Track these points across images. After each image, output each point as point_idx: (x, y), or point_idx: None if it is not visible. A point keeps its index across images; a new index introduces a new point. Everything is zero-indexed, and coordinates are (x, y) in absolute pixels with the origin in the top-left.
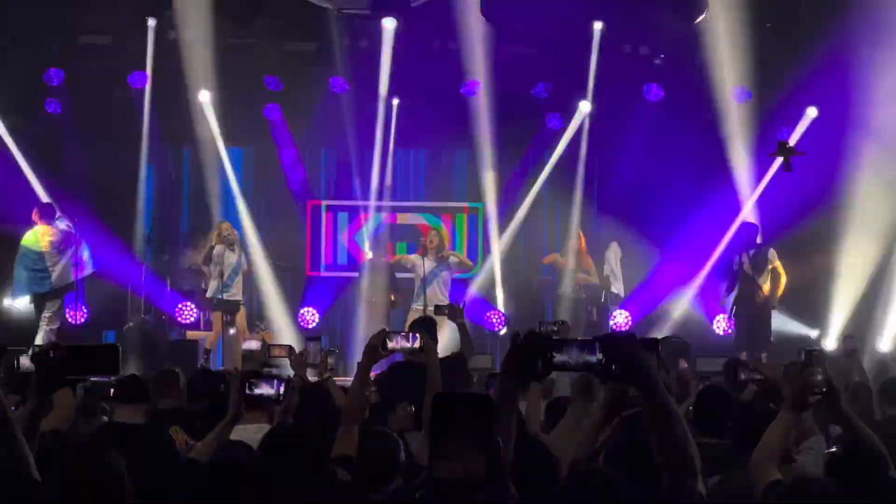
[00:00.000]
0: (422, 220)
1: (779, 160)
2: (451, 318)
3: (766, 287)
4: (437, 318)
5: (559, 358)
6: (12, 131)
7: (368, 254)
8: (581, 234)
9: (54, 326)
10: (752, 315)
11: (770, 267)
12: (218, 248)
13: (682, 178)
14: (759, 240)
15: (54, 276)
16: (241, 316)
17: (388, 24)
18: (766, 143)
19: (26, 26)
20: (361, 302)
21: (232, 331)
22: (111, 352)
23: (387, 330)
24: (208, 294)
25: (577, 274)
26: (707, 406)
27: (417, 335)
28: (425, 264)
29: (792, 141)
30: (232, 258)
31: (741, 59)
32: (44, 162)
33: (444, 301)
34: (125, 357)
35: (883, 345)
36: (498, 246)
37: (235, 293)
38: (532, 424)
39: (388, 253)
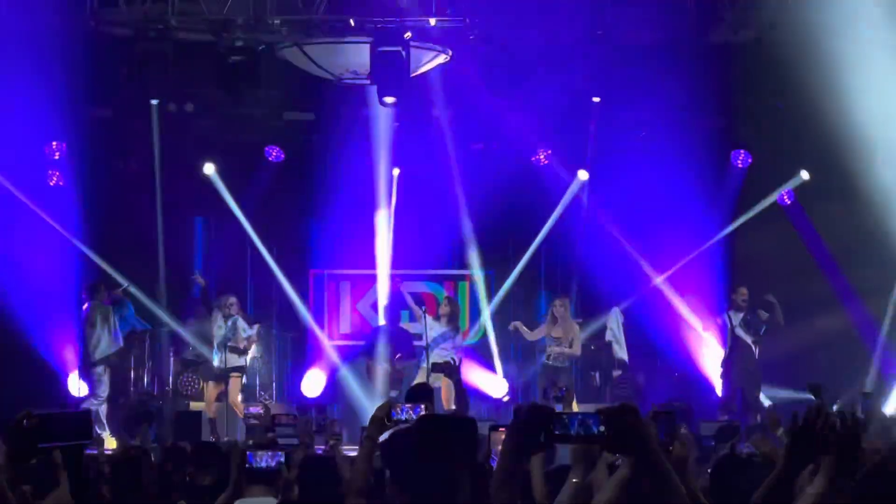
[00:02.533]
0: (425, 289)
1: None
2: (448, 375)
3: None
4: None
5: (561, 430)
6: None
7: (382, 322)
8: (559, 302)
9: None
10: (740, 378)
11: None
12: (215, 315)
13: (681, 241)
14: (743, 301)
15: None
16: (232, 384)
17: (389, 100)
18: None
19: (29, 99)
20: (368, 369)
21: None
22: (84, 418)
23: (391, 401)
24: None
25: (549, 347)
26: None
27: (422, 406)
28: (428, 328)
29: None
30: (223, 329)
31: (741, 122)
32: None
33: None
34: (125, 429)
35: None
36: (488, 311)
37: (230, 361)
38: (534, 493)
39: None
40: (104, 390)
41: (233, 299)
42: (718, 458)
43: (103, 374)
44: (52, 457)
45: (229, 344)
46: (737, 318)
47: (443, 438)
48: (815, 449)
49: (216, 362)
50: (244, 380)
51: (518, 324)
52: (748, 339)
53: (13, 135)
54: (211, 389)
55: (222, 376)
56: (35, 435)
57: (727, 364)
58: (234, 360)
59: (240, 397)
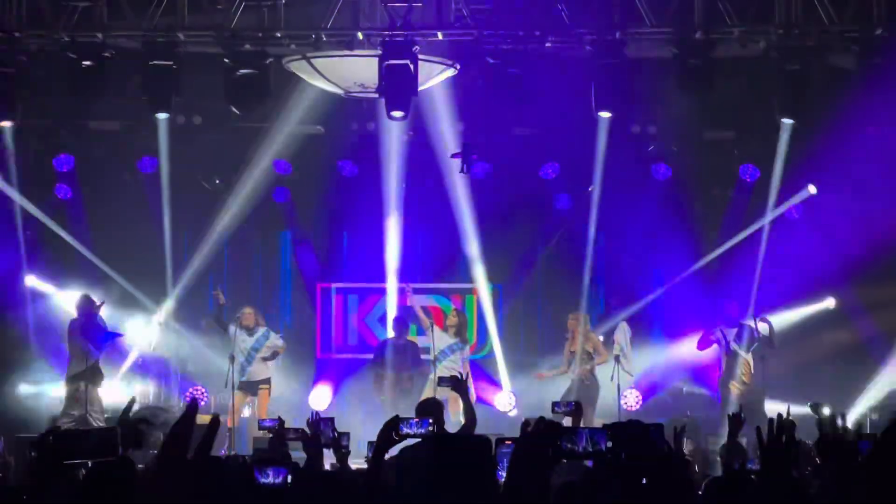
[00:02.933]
0: (432, 302)
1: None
2: (455, 389)
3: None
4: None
5: (568, 446)
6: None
7: (391, 334)
8: (578, 316)
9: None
10: (743, 392)
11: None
12: (232, 329)
13: (689, 255)
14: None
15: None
16: (261, 398)
17: (397, 115)
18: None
19: (37, 112)
20: (375, 381)
21: (246, 413)
22: (109, 435)
23: (399, 416)
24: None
25: (581, 366)
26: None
27: (430, 420)
28: (436, 340)
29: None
30: (248, 341)
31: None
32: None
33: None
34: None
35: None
36: (495, 326)
37: (251, 375)
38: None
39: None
40: (77, 409)
41: (252, 309)
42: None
43: (75, 392)
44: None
45: (258, 355)
46: (731, 333)
47: (459, 463)
48: (785, 461)
49: (243, 374)
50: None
51: (546, 373)
52: (743, 354)
53: (22, 147)
54: (238, 400)
55: (251, 388)
56: (60, 451)
57: (724, 380)
58: (263, 372)
59: (247, 411)
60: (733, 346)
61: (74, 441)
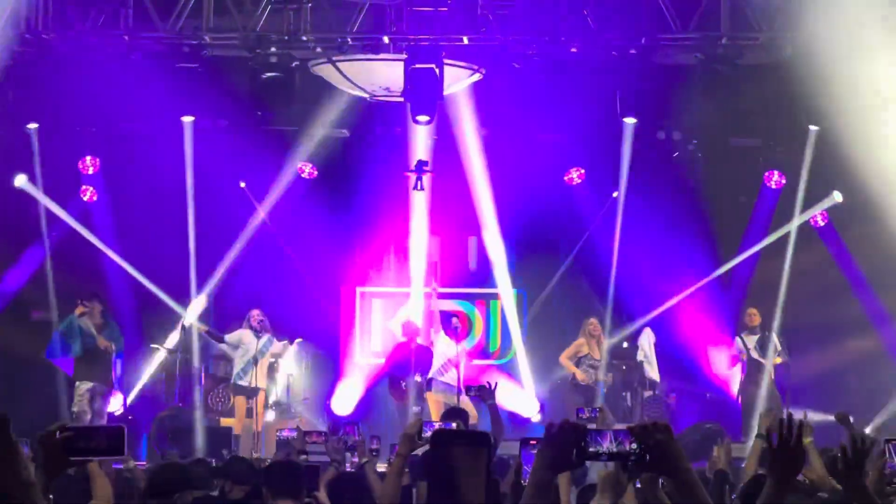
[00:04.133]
0: (456, 307)
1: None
2: (482, 399)
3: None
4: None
5: (593, 447)
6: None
7: (401, 338)
8: (594, 321)
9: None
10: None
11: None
12: (240, 333)
13: (714, 261)
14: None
15: None
16: (259, 402)
17: (422, 119)
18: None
19: (63, 114)
20: (393, 385)
21: (270, 417)
22: (117, 433)
23: (422, 419)
24: (232, 379)
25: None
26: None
27: (454, 424)
28: (456, 346)
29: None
30: (254, 344)
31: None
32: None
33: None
34: (160, 443)
35: None
36: (519, 332)
37: (257, 379)
38: None
39: (419, 335)
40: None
41: (258, 312)
42: (747, 482)
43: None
44: (87, 467)
45: (261, 360)
46: (751, 340)
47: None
48: (793, 465)
49: (245, 379)
50: (273, 398)
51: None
52: (763, 361)
53: (48, 150)
54: (241, 405)
55: (251, 392)
56: (67, 447)
57: (745, 387)
58: (262, 378)
59: (270, 415)
60: (754, 353)
61: (82, 438)
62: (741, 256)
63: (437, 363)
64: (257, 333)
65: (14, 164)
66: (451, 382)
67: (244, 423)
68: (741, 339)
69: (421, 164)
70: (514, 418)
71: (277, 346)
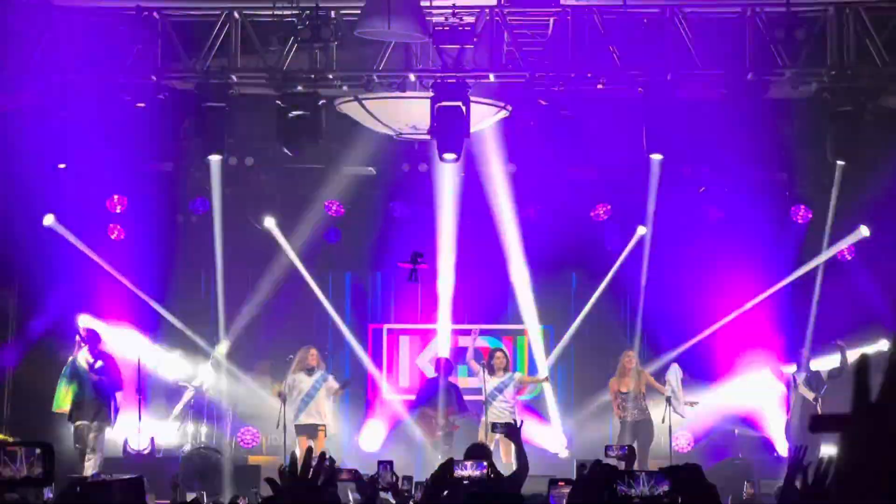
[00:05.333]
0: (483, 343)
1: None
2: (508, 437)
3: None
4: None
5: (626, 490)
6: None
7: (431, 374)
8: (631, 354)
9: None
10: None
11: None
12: (294, 376)
13: (741, 296)
14: (806, 357)
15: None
16: (319, 439)
17: (449, 157)
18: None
19: (91, 153)
20: (421, 422)
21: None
22: (136, 483)
23: (453, 459)
24: (291, 419)
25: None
26: None
27: (485, 463)
28: (487, 383)
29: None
30: (307, 382)
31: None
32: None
33: (505, 418)
34: (188, 482)
35: None
36: (546, 367)
37: (311, 417)
38: None
39: (451, 372)
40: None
41: (315, 350)
42: None
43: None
44: None
45: (317, 397)
46: (800, 376)
47: None
48: None
49: (298, 416)
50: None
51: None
52: (810, 397)
53: (75, 188)
54: (302, 443)
55: (310, 430)
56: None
57: (789, 423)
58: (321, 415)
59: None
60: (801, 388)
61: (99, 493)
62: (770, 291)
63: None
64: (309, 372)
65: (43, 203)
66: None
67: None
68: (792, 374)
69: (416, 255)
70: (542, 453)
71: (332, 383)
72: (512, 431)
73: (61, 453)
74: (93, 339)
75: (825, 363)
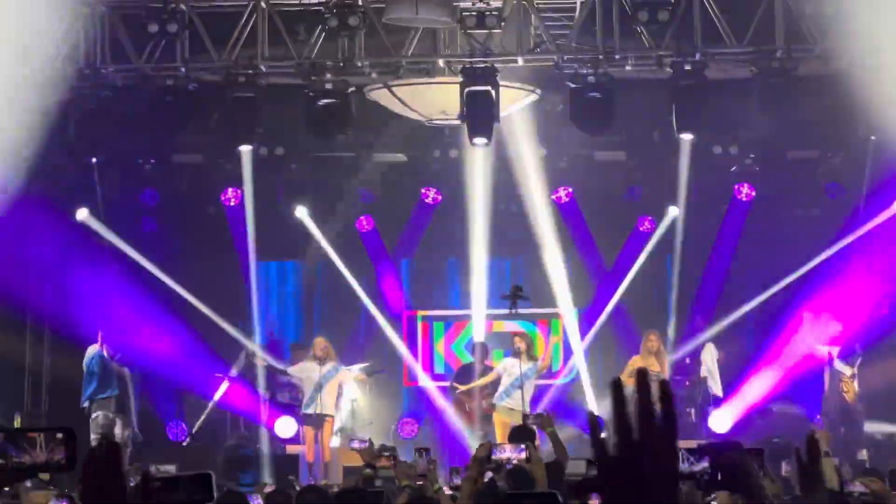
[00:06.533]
0: (518, 328)
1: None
2: (542, 427)
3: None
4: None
5: None
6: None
7: (470, 359)
8: (654, 336)
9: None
10: (843, 413)
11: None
12: (301, 365)
13: (775, 274)
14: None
15: None
16: (325, 430)
17: (479, 141)
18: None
19: (121, 147)
20: (457, 407)
21: (336, 442)
22: (205, 479)
23: (492, 442)
24: (302, 409)
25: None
26: None
27: (524, 447)
28: (521, 367)
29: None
30: (317, 373)
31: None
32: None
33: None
34: (222, 473)
35: None
36: (580, 350)
37: (318, 407)
38: None
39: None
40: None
41: (323, 340)
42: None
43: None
44: None
45: (326, 387)
46: (835, 350)
47: None
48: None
49: (311, 407)
50: (338, 423)
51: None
52: (847, 373)
53: (109, 182)
54: (309, 433)
55: (317, 421)
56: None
57: (826, 401)
58: (329, 406)
59: (335, 441)
60: (838, 364)
61: (169, 489)
62: (804, 269)
63: (504, 383)
64: (320, 362)
65: (76, 197)
66: (514, 405)
67: (314, 451)
68: (829, 350)
69: (516, 288)
70: (579, 436)
71: (344, 373)
72: (544, 421)
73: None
74: (112, 332)
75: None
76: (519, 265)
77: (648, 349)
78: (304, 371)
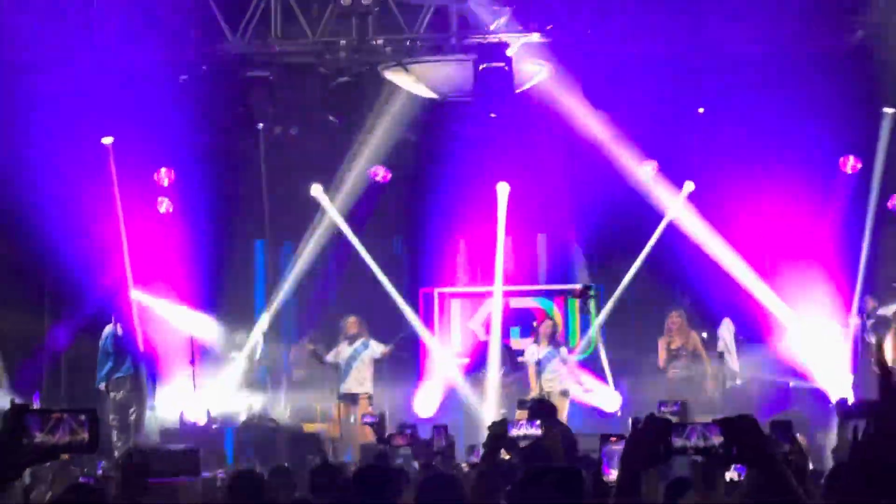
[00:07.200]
0: (534, 304)
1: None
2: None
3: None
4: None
5: (679, 442)
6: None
7: (483, 337)
8: (676, 314)
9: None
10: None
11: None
12: (337, 349)
13: (793, 250)
14: (871, 307)
15: None
16: (359, 408)
17: (493, 117)
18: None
19: (136, 127)
20: (477, 385)
21: (352, 420)
22: (192, 454)
23: (507, 418)
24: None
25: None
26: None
27: (538, 422)
28: (540, 351)
29: None
30: (347, 350)
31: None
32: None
33: (557, 387)
34: (243, 450)
35: None
36: (598, 325)
37: (353, 385)
38: None
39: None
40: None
41: (355, 318)
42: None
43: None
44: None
45: (356, 365)
46: (858, 321)
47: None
48: None
49: (344, 386)
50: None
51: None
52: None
53: (123, 163)
54: (343, 411)
55: (352, 399)
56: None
57: (858, 370)
58: (363, 383)
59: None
60: (868, 335)
61: (157, 459)
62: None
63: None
64: (350, 340)
65: (90, 178)
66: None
67: (343, 429)
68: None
69: (586, 288)
70: (596, 413)
71: (374, 348)
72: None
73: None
74: (122, 308)
75: (886, 309)
76: (535, 242)
77: (672, 328)
78: (340, 355)
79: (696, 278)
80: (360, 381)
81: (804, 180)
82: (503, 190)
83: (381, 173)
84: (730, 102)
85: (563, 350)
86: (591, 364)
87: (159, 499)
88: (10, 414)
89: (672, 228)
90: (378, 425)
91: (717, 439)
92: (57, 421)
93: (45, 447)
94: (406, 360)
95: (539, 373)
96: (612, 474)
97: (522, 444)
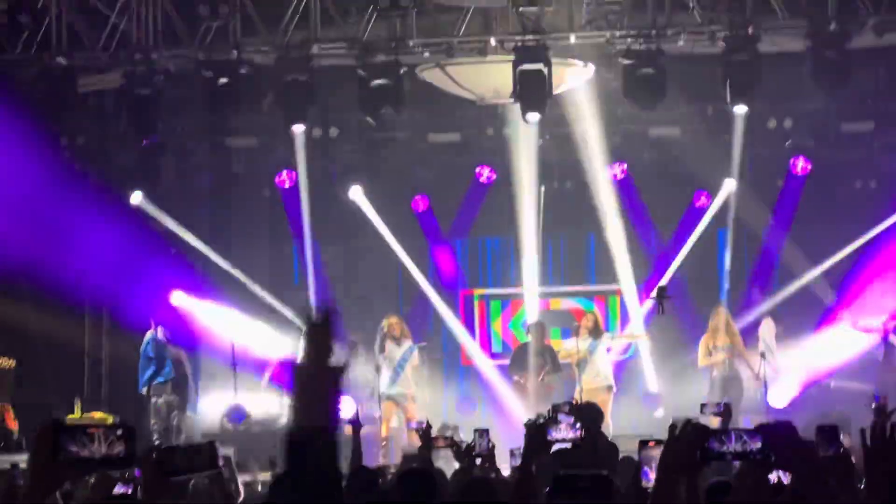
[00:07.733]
0: (575, 305)
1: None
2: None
3: None
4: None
5: (717, 447)
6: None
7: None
8: (720, 311)
9: None
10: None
11: None
12: (388, 348)
13: (831, 248)
14: None
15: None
16: (407, 409)
17: (532, 118)
18: None
19: (175, 131)
20: (516, 386)
21: (394, 423)
22: (210, 448)
23: (545, 420)
24: (381, 388)
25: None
26: None
27: (578, 425)
28: (579, 345)
29: None
30: (397, 352)
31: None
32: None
33: (601, 382)
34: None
35: None
36: (641, 327)
37: (401, 387)
38: None
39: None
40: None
41: (398, 319)
42: None
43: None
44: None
45: (408, 366)
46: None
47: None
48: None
49: (392, 386)
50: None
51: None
52: None
53: (162, 167)
54: (391, 410)
55: (400, 399)
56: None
57: (884, 373)
58: (411, 384)
59: (395, 421)
60: (892, 337)
61: (176, 456)
62: (860, 241)
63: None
64: (398, 342)
65: (130, 182)
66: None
67: (391, 430)
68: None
69: (661, 289)
70: (637, 413)
71: (416, 356)
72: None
73: None
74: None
75: None
76: (576, 242)
77: (716, 325)
78: (389, 356)
79: (737, 277)
80: (406, 383)
81: (844, 179)
82: (542, 190)
83: (486, 173)
84: (768, 100)
85: (606, 336)
86: (633, 365)
87: (181, 498)
88: (45, 430)
89: (712, 227)
90: (425, 432)
91: (755, 445)
92: (93, 435)
93: (82, 461)
94: (447, 362)
95: (580, 373)
96: (652, 480)
97: (559, 446)
